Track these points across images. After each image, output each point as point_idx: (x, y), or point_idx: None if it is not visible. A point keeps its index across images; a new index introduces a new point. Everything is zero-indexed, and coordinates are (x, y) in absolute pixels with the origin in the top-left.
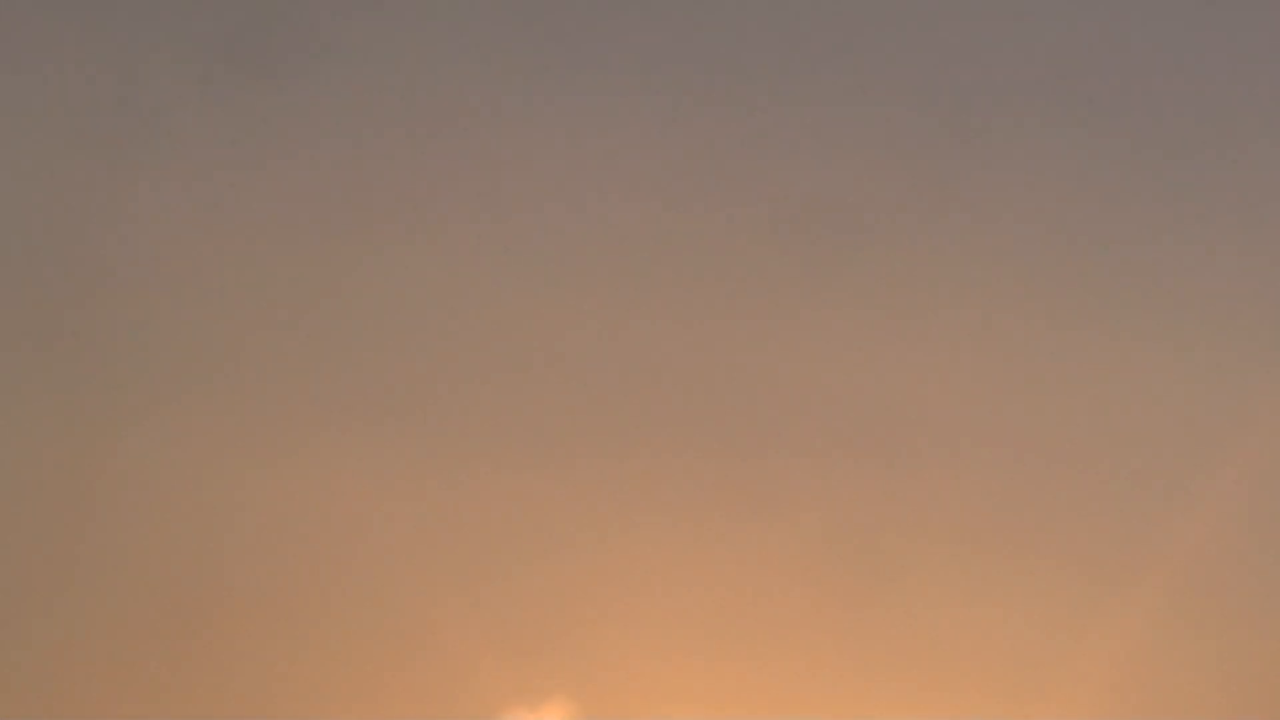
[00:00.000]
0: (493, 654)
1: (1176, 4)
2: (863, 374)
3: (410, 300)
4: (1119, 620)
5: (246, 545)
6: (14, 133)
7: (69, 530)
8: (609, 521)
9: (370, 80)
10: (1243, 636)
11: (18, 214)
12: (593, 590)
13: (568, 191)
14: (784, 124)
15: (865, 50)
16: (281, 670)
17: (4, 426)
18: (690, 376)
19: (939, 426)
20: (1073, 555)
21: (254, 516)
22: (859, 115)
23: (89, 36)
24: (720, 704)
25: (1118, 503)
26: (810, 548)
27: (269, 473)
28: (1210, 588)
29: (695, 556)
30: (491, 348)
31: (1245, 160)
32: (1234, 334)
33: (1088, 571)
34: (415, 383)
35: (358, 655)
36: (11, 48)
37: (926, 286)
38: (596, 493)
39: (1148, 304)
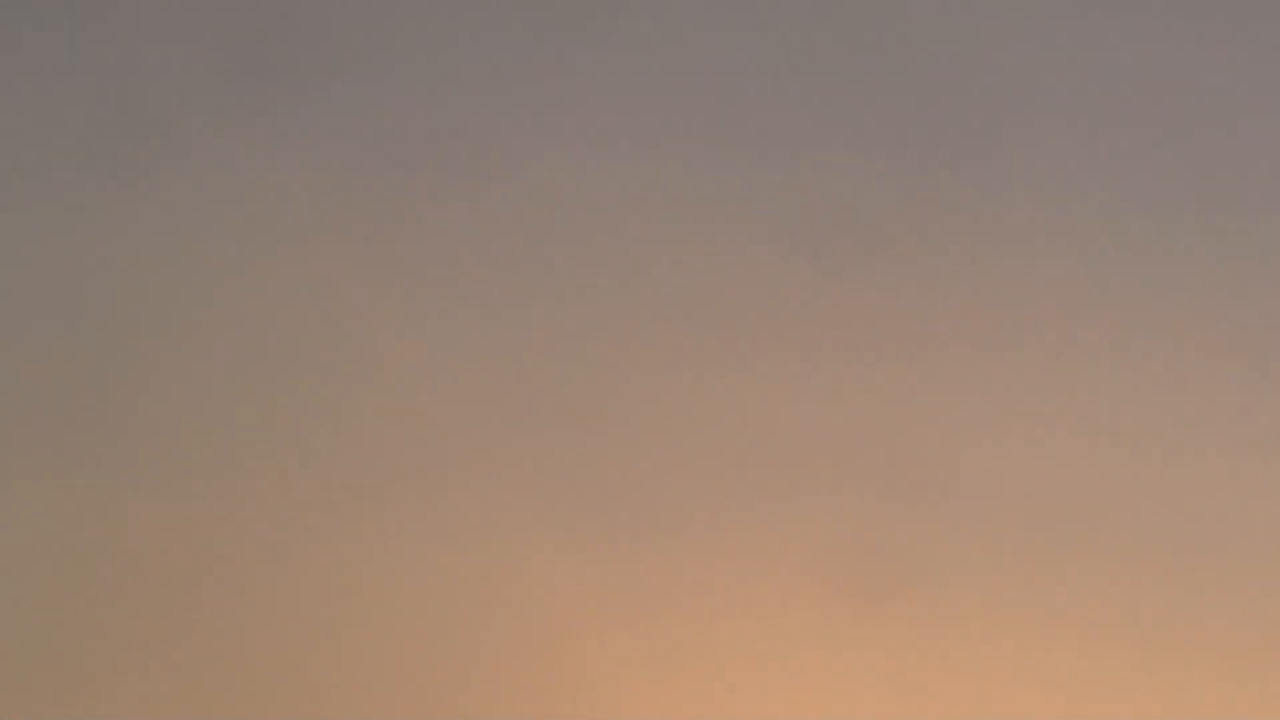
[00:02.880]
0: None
1: (1203, 8)
2: (881, 386)
3: (423, 311)
4: (1142, 638)
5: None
6: (19, 145)
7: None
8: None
9: (396, 97)
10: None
11: (21, 228)
12: (602, 599)
13: (591, 207)
14: (796, 130)
15: (879, 51)
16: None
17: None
18: (704, 385)
19: (958, 438)
20: (1090, 564)
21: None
22: (875, 119)
23: (100, 48)
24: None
25: (1137, 504)
26: (825, 560)
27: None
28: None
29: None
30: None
31: None
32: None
33: (1105, 581)
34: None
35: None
36: (17, 57)
37: (944, 296)
38: (601, 504)
39: (1172, 312)
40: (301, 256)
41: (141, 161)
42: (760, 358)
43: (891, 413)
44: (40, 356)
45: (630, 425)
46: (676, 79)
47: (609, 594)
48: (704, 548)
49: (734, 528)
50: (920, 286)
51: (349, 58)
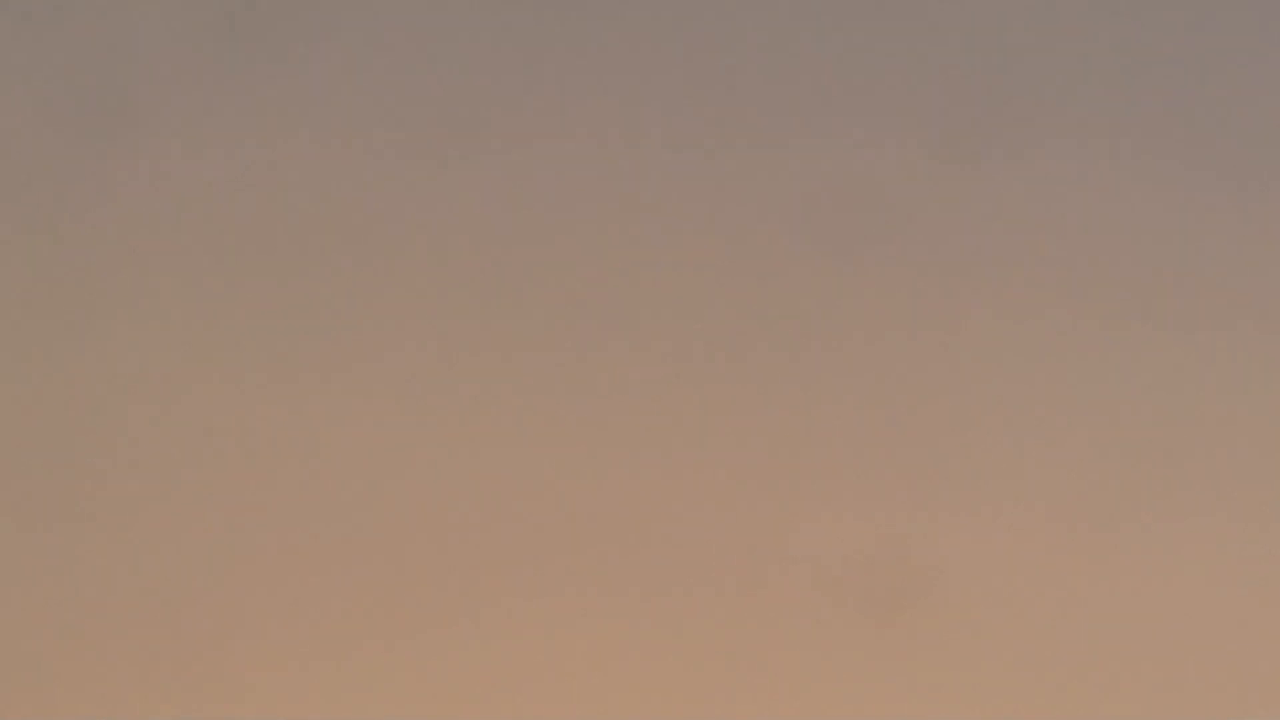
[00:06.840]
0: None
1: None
2: (890, 379)
3: (408, 291)
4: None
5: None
6: None
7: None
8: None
9: (380, 64)
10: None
11: None
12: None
13: (575, 186)
14: (800, 115)
15: (887, 34)
16: None
17: None
18: (711, 378)
19: (977, 436)
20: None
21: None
22: (891, 101)
23: (75, 13)
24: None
25: (1155, 502)
26: (837, 567)
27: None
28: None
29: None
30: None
31: None
32: None
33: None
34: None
35: None
36: None
37: (963, 286)
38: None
39: (1202, 305)
40: (281, 234)
41: (114, 138)
42: (766, 349)
43: (905, 408)
44: (11, 344)
45: (628, 421)
46: (683, 56)
47: (607, 601)
48: (708, 554)
49: (739, 533)
50: (937, 277)
51: (332, 30)
